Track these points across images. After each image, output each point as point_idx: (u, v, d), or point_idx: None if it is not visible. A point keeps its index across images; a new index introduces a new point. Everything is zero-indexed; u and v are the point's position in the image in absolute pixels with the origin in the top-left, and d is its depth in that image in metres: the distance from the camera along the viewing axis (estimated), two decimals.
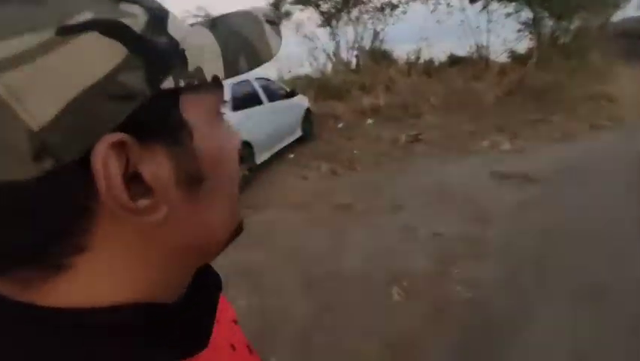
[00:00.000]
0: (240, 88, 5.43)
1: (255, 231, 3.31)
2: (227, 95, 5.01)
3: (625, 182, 4.22)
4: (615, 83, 8.72)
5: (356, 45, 14.04)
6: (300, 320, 2.41)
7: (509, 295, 2.53)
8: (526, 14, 11.23)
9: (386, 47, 13.81)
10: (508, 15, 11.18)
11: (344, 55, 14.15)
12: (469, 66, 11.05)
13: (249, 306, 2.50)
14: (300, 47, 13.27)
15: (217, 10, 14.27)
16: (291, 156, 6.32)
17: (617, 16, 13.96)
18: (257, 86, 5.78)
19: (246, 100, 5.52)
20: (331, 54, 14.09)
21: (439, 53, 12.67)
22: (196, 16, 15.41)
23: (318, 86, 10.35)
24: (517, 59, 11.96)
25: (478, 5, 11.29)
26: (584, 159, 5.06)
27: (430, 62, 12.36)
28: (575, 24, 11.95)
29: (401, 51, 13.38)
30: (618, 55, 11.70)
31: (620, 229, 3.19)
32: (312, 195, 4.62)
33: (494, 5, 11.12)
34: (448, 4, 11.51)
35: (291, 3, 13.84)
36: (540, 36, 11.21)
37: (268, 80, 6.62)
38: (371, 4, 13.60)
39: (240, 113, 5.06)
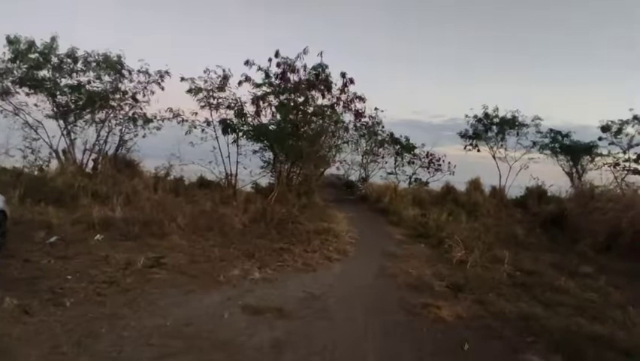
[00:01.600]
0: None
1: None
2: None
3: (363, 308, 4.57)
4: (334, 221, 10.40)
5: (96, 148, 12.34)
6: None
7: None
8: (269, 154, 12.71)
9: (133, 157, 12.71)
10: (255, 152, 12.35)
11: (78, 156, 12.09)
12: (217, 190, 11.15)
13: None
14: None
15: None
16: None
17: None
18: None
19: None
20: (61, 152, 11.78)
21: (189, 173, 12.48)
22: None
23: (31, 186, 7.98)
24: (259, 190, 13.07)
25: (230, 137, 12.08)
26: (327, 288, 5.25)
27: (180, 180, 11.92)
28: (304, 171, 14.33)
29: (150, 165, 12.52)
30: (330, 199, 14.64)
31: None
32: None
33: (243, 141, 12.12)
34: (203, 130, 11.83)
35: (14, 82, 11.26)
36: (280, 175, 12.70)
37: None
38: (122, 112, 12.67)
39: None
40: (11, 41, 11.17)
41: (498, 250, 7.87)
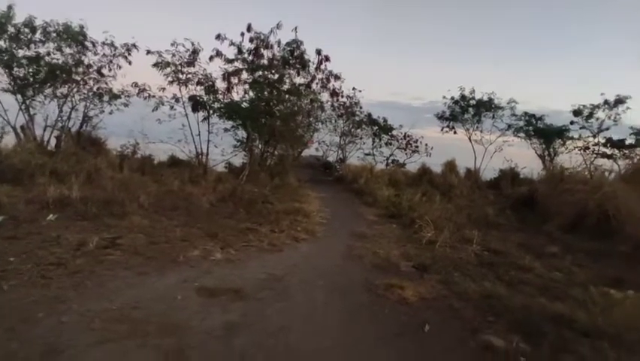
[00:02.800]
0: None
1: None
2: None
3: (325, 289, 4.46)
4: (306, 201, 10.25)
5: (59, 125, 11.74)
6: None
7: None
8: (242, 133, 12.36)
9: (99, 135, 12.17)
10: (226, 130, 11.97)
11: (39, 133, 11.48)
12: (187, 170, 10.80)
13: None
14: None
15: None
16: None
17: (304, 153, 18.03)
18: None
19: None
20: (19, 128, 11.16)
21: (159, 153, 12.02)
22: None
23: None
24: (232, 170, 12.76)
25: (200, 114, 11.65)
26: (290, 269, 5.11)
27: (148, 158, 11.48)
28: (278, 151, 14.08)
29: (116, 143, 12.02)
30: (305, 180, 14.47)
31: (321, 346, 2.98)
32: None
33: (215, 119, 11.72)
34: (172, 107, 11.36)
35: None
36: (252, 154, 12.40)
37: None
38: (87, 87, 12.04)
39: None
40: None
41: (468, 230, 7.89)
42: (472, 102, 16.77)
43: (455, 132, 17.59)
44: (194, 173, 10.69)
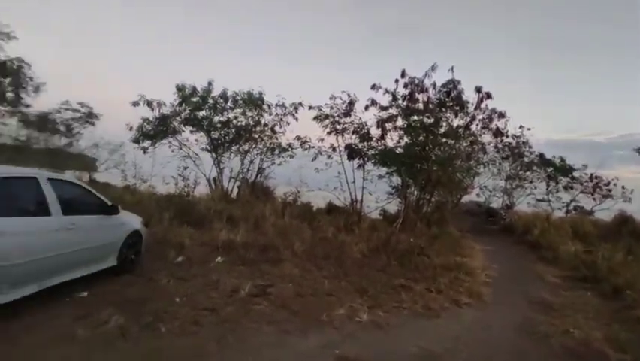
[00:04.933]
0: (10, 186, 3.61)
1: None
2: None
3: None
4: (468, 255, 8.77)
5: (240, 176, 13.33)
6: None
7: None
8: (397, 179, 11.75)
9: (269, 184, 13.34)
10: (381, 177, 11.55)
11: (225, 184, 13.23)
12: (342, 216, 10.65)
13: None
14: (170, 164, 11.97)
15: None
16: (84, 294, 4.27)
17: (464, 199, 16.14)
18: (48, 188, 3.97)
19: (15, 204, 3.65)
20: (212, 180, 13.07)
21: (317, 199, 12.36)
22: (76, 110, 13.77)
23: (180, 210, 8.72)
24: (386, 217, 12.12)
25: (355, 162, 11.58)
26: (450, 344, 4.03)
27: (307, 205, 11.86)
28: (435, 198, 12.87)
29: (282, 191, 12.90)
30: (465, 229, 12.71)
31: None
32: None
33: (369, 166, 11.47)
34: (329, 156, 11.61)
35: (181, 122, 13.05)
36: (407, 201, 11.58)
37: (75, 184, 4.83)
38: (262, 143, 13.49)
39: None
40: (179, 89, 13.03)
41: None
42: None
43: None
44: (348, 220, 10.45)
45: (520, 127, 14.47)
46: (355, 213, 11.37)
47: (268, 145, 13.42)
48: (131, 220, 5.47)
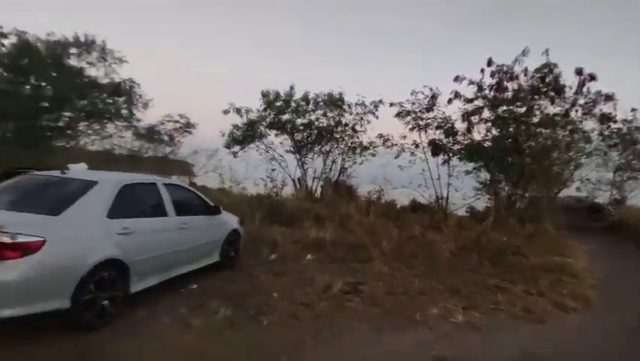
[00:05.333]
0: (136, 191, 4.21)
1: None
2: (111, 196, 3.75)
3: None
4: (571, 255, 7.95)
5: (323, 176, 13.69)
6: None
7: None
8: (485, 175, 11.10)
9: (351, 183, 13.49)
10: (468, 173, 10.99)
11: (309, 183, 13.68)
12: (427, 215, 10.36)
13: None
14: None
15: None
16: (194, 286, 4.79)
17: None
18: (164, 192, 4.55)
19: (140, 207, 4.25)
20: (296, 180, 13.61)
21: (401, 197, 12.17)
22: (176, 121, 15.31)
23: (269, 210, 9.26)
24: (474, 215, 11.50)
25: (440, 158, 11.19)
26: (555, 350, 3.75)
27: (391, 203, 11.75)
28: (529, 193, 11.88)
29: (364, 190, 12.95)
30: (564, 227, 11.50)
31: None
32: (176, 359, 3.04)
33: (455, 161, 11.00)
34: (412, 153, 11.38)
35: (266, 127, 13.80)
36: (497, 198, 10.88)
37: (186, 187, 5.42)
38: (343, 143, 13.70)
39: (122, 222, 3.73)
40: (264, 95, 13.81)
41: None
42: None
43: None
44: (434, 218, 10.15)
45: (633, 110, 12.65)
46: (441, 210, 10.99)
47: (349, 144, 13.58)
48: (230, 220, 5.97)
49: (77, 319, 3.22)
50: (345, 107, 13.39)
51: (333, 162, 13.68)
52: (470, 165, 10.93)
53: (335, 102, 13.31)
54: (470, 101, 10.54)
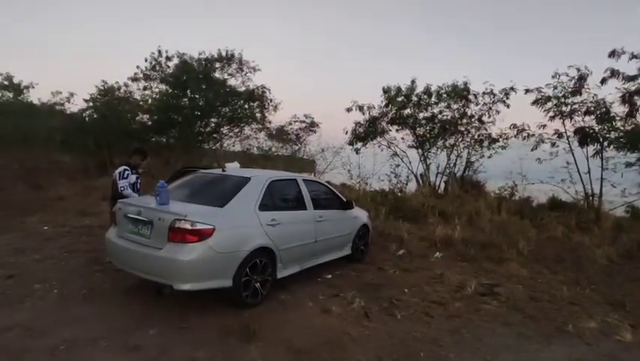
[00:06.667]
0: (280, 186, 4.63)
1: None
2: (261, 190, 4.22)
3: None
4: None
5: (447, 171, 13.01)
6: None
7: None
8: None
9: (479, 178, 12.53)
10: (629, 165, 9.15)
11: (432, 179, 13.15)
12: (573, 214, 8.97)
13: None
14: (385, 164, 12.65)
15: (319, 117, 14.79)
16: (328, 276, 5.07)
17: None
18: (304, 188, 4.90)
19: (284, 201, 4.65)
20: (419, 176, 13.21)
21: (537, 193, 10.78)
22: (302, 121, 16.32)
23: (394, 205, 9.20)
24: (637, 216, 9.52)
25: (590, 149, 9.57)
26: None
27: (527, 200, 10.52)
28: None
29: (494, 186, 11.88)
30: None
31: None
32: (319, 339, 3.27)
33: (611, 152, 9.27)
34: (554, 144, 9.98)
35: (388, 122, 13.71)
36: None
37: (321, 183, 5.75)
38: (469, 135, 12.81)
39: (270, 214, 4.16)
40: (385, 91, 13.72)
41: None
42: None
43: None
44: (582, 218, 8.75)
45: None
46: (592, 209, 9.41)
47: (476, 137, 12.62)
48: (361, 215, 6.12)
49: (239, 296, 3.72)
50: (471, 97, 12.47)
51: (458, 156, 12.89)
52: (633, 157, 9.06)
53: (460, 93, 12.49)
54: (633, 78, 8.73)
